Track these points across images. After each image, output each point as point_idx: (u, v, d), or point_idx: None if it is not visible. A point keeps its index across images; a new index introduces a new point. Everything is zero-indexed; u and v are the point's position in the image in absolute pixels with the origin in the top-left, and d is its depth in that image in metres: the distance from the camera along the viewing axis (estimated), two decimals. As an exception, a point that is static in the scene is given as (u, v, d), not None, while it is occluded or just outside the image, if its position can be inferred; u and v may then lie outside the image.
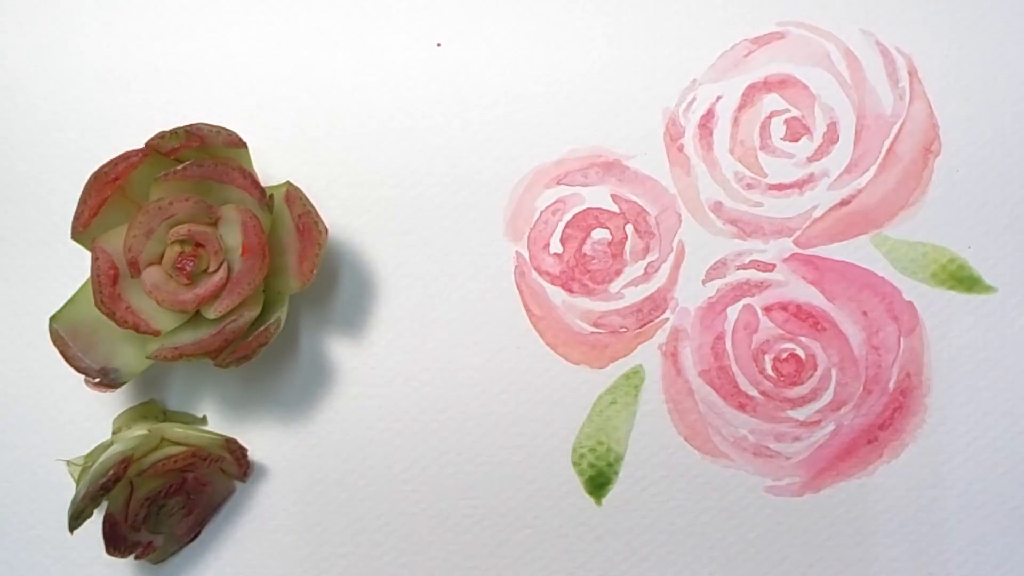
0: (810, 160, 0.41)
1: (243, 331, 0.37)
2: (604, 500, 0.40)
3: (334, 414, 0.41)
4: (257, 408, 0.41)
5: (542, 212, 0.42)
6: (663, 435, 0.40)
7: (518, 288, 0.41)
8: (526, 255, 0.41)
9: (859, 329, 0.41)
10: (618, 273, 0.41)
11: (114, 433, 0.40)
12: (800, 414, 0.40)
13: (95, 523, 0.37)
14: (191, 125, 0.37)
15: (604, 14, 0.42)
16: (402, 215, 0.42)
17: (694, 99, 0.42)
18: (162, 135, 0.37)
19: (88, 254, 0.37)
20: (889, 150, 0.41)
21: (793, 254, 0.41)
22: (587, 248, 0.41)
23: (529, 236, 0.42)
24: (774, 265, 0.41)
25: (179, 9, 0.43)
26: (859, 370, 0.40)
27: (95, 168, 0.36)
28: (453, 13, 0.43)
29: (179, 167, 0.36)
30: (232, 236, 0.37)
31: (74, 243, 0.37)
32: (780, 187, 0.41)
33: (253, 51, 0.43)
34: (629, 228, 0.41)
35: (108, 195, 0.37)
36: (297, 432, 0.41)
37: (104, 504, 0.37)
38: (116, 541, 0.38)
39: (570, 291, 0.41)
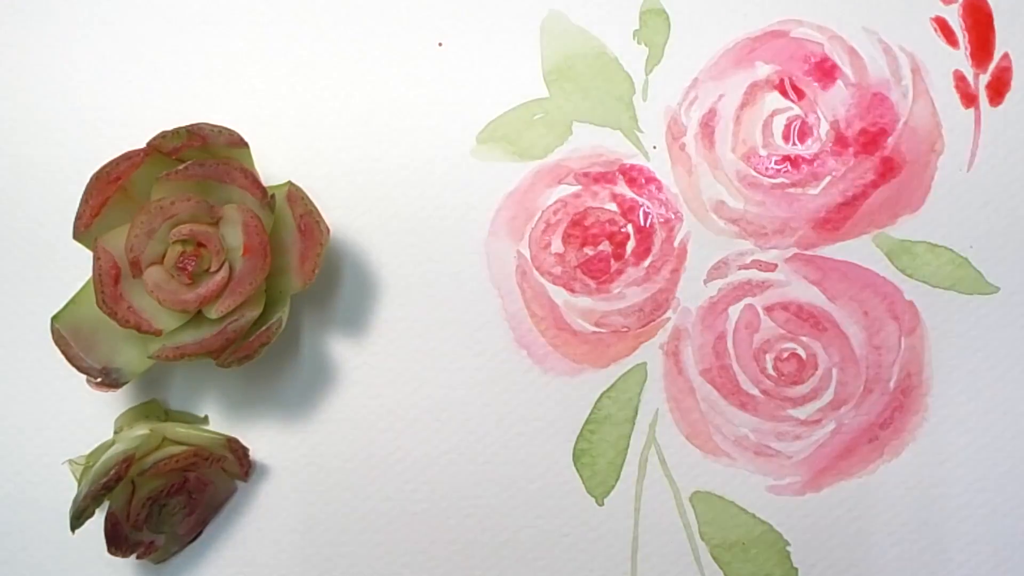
0: (812, 159, 0.41)
1: (245, 331, 0.37)
2: (606, 500, 0.40)
3: (335, 413, 0.41)
4: (258, 408, 0.41)
5: (543, 212, 0.42)
6: (664, 434, 0.41)
7: (519, 288, 0.41)
8: (527, 255, 0.41)
9: (860, 329, 0.41)
10: (620, 273, 0.41)
11: (116, 433, 0.40)
12: (801, 413, 0.40)
13: (97, 523, 0.37)
14: (193, 125, 0.37)
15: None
16: (403, 215, 0.42)
17: (696, 97, 0.42)
18: (164, 135, 0.37)
19: (90, 254, 0.37)
20: (892, 149, 0.41)
21: (795, 254, 0.41)
22: (588, 248, 0.41)
23: (530, 236, 0.42)
24: (776, 265, 0.41)
25: (179, 9, 0.43)
26: (860, 369, 0.40)
27: (97, 168, 0.36)
28: (453, 13, 0.43)
29: (181, 167, 0.36)
30: (234, 236, 0.37)
31: (76, 243, 0.37)
32: (782, 186, 0.41)
33: (254, 51, 0.43)
34: (630, 228, 0.41)
35: (110, 195, 0.37)
36: (298, 432, 0.41)
37: (106, 504, 0.37)
38: (118, 540, 0.38)
39: (571, 291, 0.41)
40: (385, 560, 0.40)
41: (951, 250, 0.41)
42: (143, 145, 0.37)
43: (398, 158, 0.42)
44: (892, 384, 0.40)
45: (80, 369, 0.37)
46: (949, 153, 0.41)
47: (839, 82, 0.42)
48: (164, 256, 0.37)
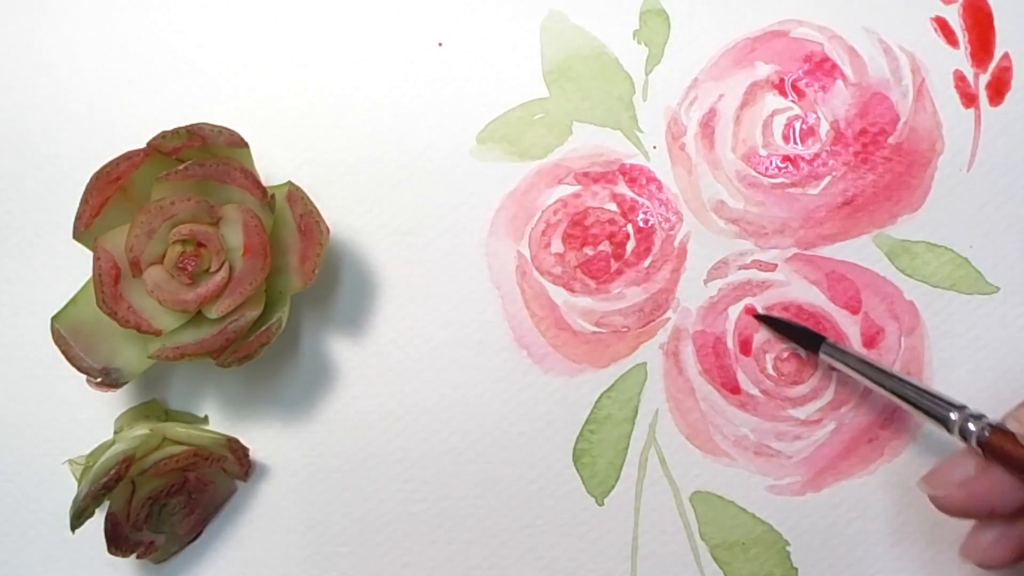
0: (812, 159, 0.41)
1: (245, 331, 0.37)
2: (606, 500, 0.40)
3: (335, 413, 0.41)
4: (258, 408, 0.41)
5: (543, 212, 0.42)
6: (664, 434, 0.40)
7: (519, 288, 0.41)
8: (527, 255, 0.41)
9: (860, 329, 0.41)
10: (620, 273, 0.41)
11: (116, 433, 0.40)
12: (801, 413, 0.40)
13: (97, 522, 0.37)
14: (193, 125, 0.37)
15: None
16: (403, 215, 0.42)
17: (696, 97, 0.42)
18: (164, 135, 0.37)
19: (90, 254, 0.37)
20: (892, 149, 0.41)
21: (795, 254, 0.41)
22: (588, 248, 0.41)
23: (530, 236, 0.42)
24: (776, 265, 0.41)
25: (179, 9, 0.43)
26: (860, 369, 0.40)
27: (97, 168, 0.36)
28: (453, 13, 0.43)
29: (181, 167, 0.36)
30: (234, 236, 0.37)
31: (76, 243, 0.37)
32: (782, 186, 0.41)
33: (254, 51, 0.43)
34: (630, 228, 0.41)
35: (110, 195, 0.37)
36: (298, 431, 0.41)
37: (106, 503, 0.37)
38: (118, 540, 0.38)
39: (571, 291, 0.41)
40: (385, 560, 0.40)
41: (951, 250, 0.41)
42: (143, 145, 0.37)
43: (398, 158, 0.42)
44: (892, 384, 0.40)
45: (80, 369, 0.37)
46: (949, 153, 0.41)
47: (839, 82, 0.42)
48: (164, 256, 0.37)
